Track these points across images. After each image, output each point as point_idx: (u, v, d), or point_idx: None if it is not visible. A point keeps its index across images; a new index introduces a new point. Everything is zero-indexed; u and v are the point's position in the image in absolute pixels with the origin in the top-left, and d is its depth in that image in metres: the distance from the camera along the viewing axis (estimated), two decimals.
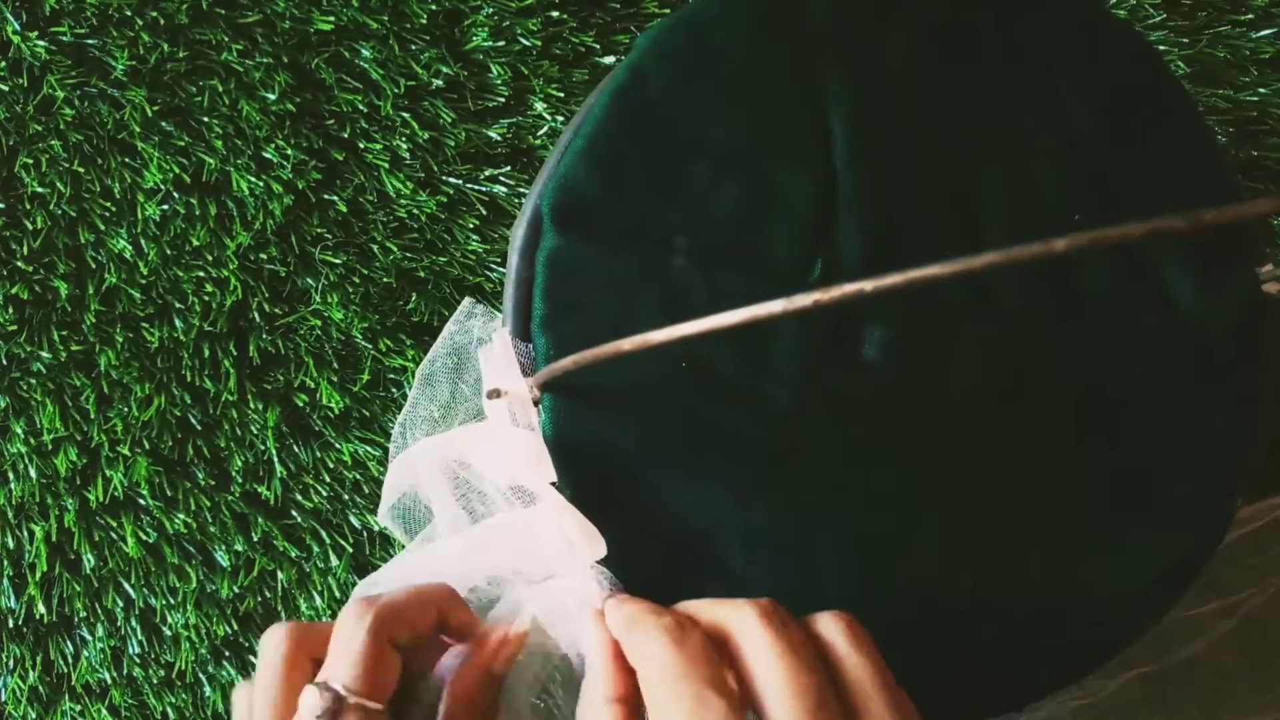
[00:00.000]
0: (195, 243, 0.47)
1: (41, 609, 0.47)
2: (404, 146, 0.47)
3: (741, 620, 0.27)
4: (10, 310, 0.48)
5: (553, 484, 0.32)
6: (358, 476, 0.46)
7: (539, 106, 0.47)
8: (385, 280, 0.47)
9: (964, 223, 0.33)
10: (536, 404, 0.33)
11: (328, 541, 0.46)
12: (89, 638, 0.47)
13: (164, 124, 0.48)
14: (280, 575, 0.46)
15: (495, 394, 0.33)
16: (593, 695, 0.29)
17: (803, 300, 0.23)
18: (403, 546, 0.38)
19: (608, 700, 0.28)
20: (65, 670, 0.47)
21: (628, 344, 0.27)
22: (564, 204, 0.34)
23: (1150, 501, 0.33)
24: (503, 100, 0.47)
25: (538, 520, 0.32)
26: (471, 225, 0.47)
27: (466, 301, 0.40)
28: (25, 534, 0.48)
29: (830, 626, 0.27)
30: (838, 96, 0.34)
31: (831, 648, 0.27)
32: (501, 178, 0.47)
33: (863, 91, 0.34)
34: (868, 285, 0.21)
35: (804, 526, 0.33)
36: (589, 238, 0.34)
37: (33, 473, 0.48)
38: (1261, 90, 0.45)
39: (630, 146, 0.34)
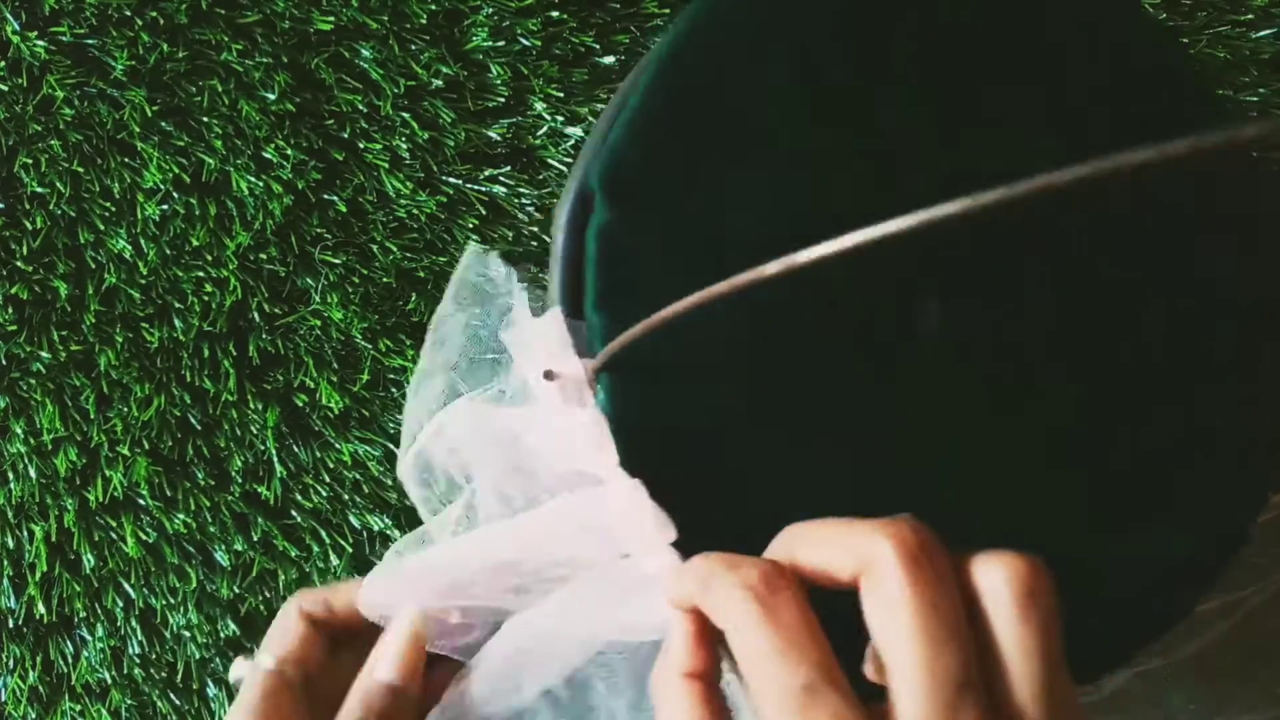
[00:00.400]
0: (195, 243, 0.47)
1: (41, 609, 0.47)
2: (404, 146, 0.47)
3: (872, 554, 0.22)
4: (10, 310, 0.48)
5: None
6: (358, 476, 0.46)
7: (539, 106, 0.47)
8: (385, 280, 0.47)
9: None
10: (592, 385, 0.32)
11: (328, 541, 0.46)
12: (89, 638, 0.47)
13: (164, 124, 0.48)
14: (280, 575, 0.46)
15: (549, 376, 0.32)
16: (665, 668, 0.25)
17: (988, 197, 0.19)
18: (411, 512, 0.38)
19: (681, 675, 0.25)
20: (65, 670, 0.47)
21: (729, 285, 0.25)
22: (615, 177, 0.33)
23: (1160, 500, 0.33)
24: (503, 100, 0.47)
25: (601, 504, 0.30)
26: (471, 225, 0.47)
27: (471, 248, 0.39)
28: (25, 534, 0.48)
29: (994, 580, 0.22)
30: (888, 74, 0.34)
31: (991, 611, 0.22)
32: (501, 178, 0.47)
33: (911, 71, 0.34)
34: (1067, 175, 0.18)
35: (868, 499, 0.33)
36: (643, 210, 0.33)
37: (33, 473, 0.48)
38: (1261, 90, 0.45)
39: (680, 121, 0.33)
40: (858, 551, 0.22)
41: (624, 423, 0.32)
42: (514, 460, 0.33)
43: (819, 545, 0.24)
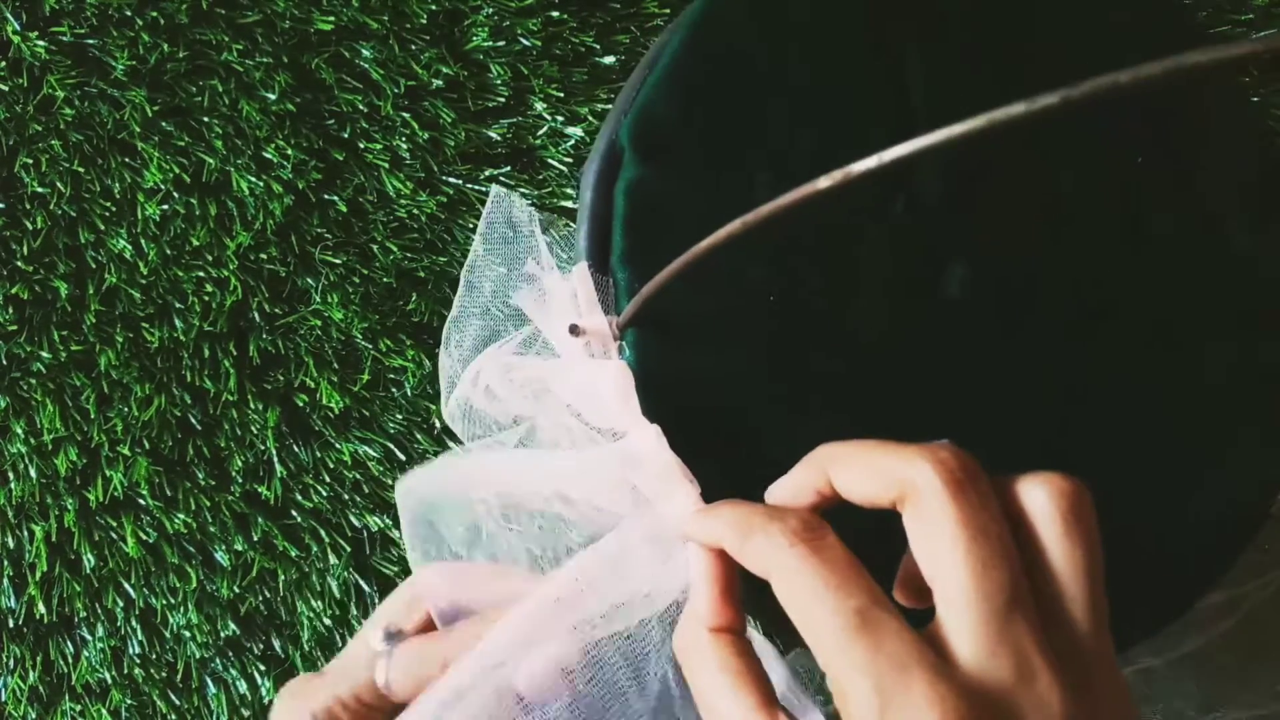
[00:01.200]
0: (195, 243, 0.47)
1: (41, 609, 0.47)
2: (404, 146, 0.47)
3: (914, 479, 0.22)
4: (10, 310, 0.48)
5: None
6: (358, 476, 0.46)
7: (539, 106, 0.47)
8: (385, 280, 0.47)
9: (1038, 158, 0.34)
10: (617, 340, 0.32)
11: (327, 541, 0.46)
12: (89, 638, 0.47)
13: (164, 124, 0.48)
14: (280, 575, 0.46)
15: (575, 330, 0.32)
16: (690, 624, 0.25)
17: (939, 135, 0.19)
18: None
19: (709, 630, 0.25)
20: (65, 670, 0.47)
21: (736, 224, 0.24)
22: (646, 133, 0.33)
23: (1213, 447, 0.33)
24: (503, 100, 0.47)
25: (626, 455, 0.31)
26: (471, 225, 0.47)
27: (494, 190, 0.38)
28: (25, 534, 0.48)
29: (1038, 499, 0.22)
30: (913, 34, 0.34)
31: (1035, 529, 0.22)
32: (501, 178, 0.47)
33: (934, 31, 0.34)
34: (1021, 106, 0.18)
35: None
36: (671, 167, 0.33)
37: (33, 473, 0.48)
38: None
39: (711, 80, 0.34)
40: (898, 476, 0.22)
41: (648, 377, 0.32)
42: (545, 409, 0.33)
43: (856, 468, 0.24)
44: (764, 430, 0.33)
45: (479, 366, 0.34)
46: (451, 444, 0.38)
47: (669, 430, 0.31)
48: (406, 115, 0.47)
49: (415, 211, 0.47)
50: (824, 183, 0.21)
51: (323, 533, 0.46)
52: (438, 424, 0.46)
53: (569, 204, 0.46)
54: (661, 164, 0.33)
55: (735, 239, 0.25)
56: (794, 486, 0.26)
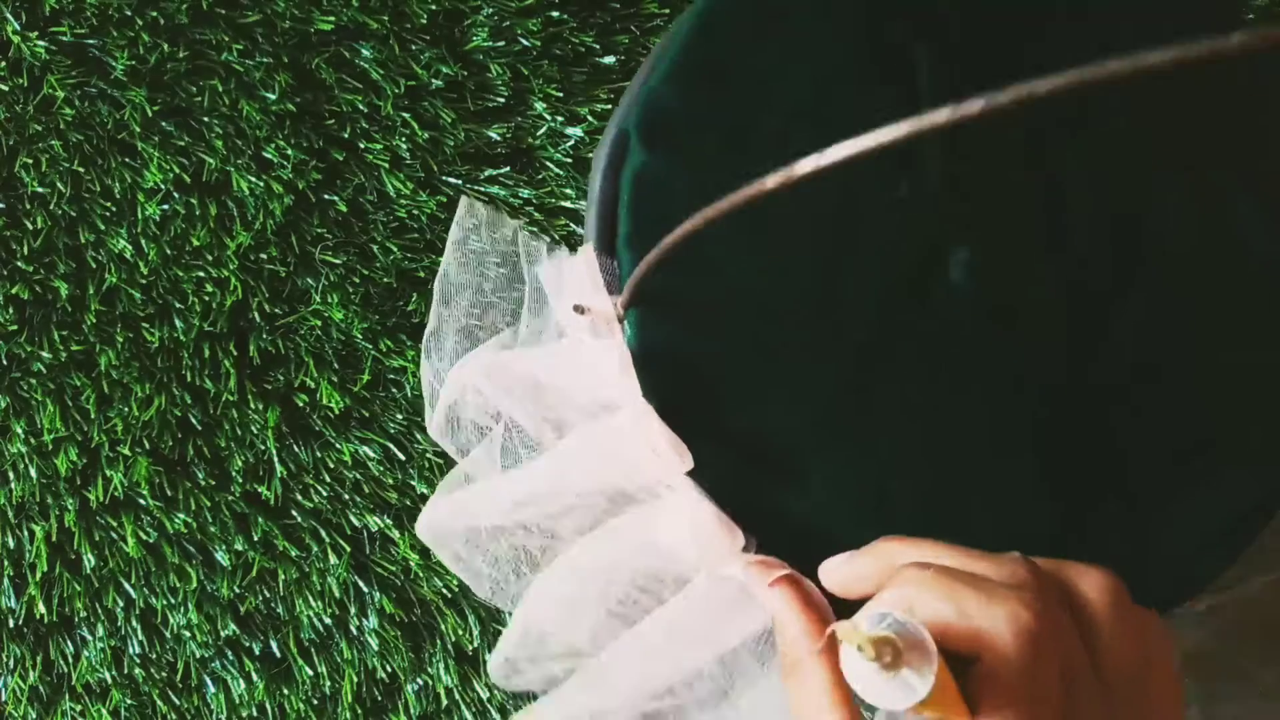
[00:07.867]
0: (195, 243, 0.47)
1: (41, 609, 0.47)
2: (404, 146, 0.47)
3: (993, 640, 0.23)
4: (10, 310, 0.48)
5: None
6: (358, 476, 0.46)
7: (539, 106, 0.47)
8: (385, 280, 0.47)
9: (1046, 142, 0.34)
10: (620, 321, 0.33)
11: (327, 541, 0.46)
12: (89, 638, 0.47)
13: (164, 124, 0.48)
14: (280, 575, 0.46)
15: (580, 310, 0.33)
16: (798, 654, 0.27)
17: (936, 117, 0.19)
18: (410, 512, 0.38)
19: (812, 654, 0.26)
20: (65, 670, 0.47)
21: (740, 195, 0.25)
22: (651, 120, 0.34)
23: (1221, 447, 0.33)
24: (503, 100, 0.47)
25: (623, 430, 0.32)
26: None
27: (464, 201, 0.39)
28: (25, 534, 0.48)
29: (1090, 591, 0.25)
30: (919, 26, 0.35)
31: (1091, 622, 0.24)
32: (501, 178, 0.47)
33: (941, 22, 0.35)
34: (1015, 93, 0.18)
35: (883, 439, 0.33)
36: (675, 155, 0.34)
37: (33, 473, 0.48)
38: None
39: (716, 70, 0.35)
40: (976, 626, 0.23)
41: (647, 355, 0.33)
42: (535, 402, 0.34)
43: (933, 598, 0.24)
44: (759, 411, 0.33)
45: (460, 373, 0.35)
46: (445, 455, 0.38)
47: (665, 409, 0.32)
48: (406, 115, 0.47)
49: (415, 211, 0.47)
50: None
51: (323, 533, 0.46)
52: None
53: (568, 204, 0.46)
54: (666, 151, 0.34)
55: (721, 217, 0.26)
56: (856, 576, 0.28)
